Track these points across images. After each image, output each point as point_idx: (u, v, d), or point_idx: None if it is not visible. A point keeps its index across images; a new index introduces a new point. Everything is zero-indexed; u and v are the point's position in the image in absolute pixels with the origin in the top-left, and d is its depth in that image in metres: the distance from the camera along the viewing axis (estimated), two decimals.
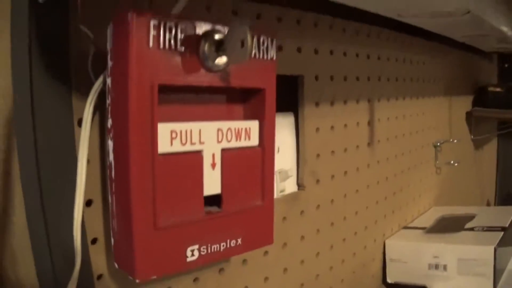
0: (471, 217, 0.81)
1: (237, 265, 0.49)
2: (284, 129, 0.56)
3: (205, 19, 0.33)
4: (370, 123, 0.69)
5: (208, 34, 0.32)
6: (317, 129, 0.58)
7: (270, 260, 0.53)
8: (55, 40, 0.33)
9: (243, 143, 0.36)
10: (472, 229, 0.74)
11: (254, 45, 0.36)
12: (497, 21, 0.66)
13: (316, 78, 0.57)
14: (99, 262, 0.37)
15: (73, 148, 0.35)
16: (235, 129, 0.35)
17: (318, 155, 0.58)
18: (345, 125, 0.63)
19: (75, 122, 0.36)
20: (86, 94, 0.35)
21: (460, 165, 1.03)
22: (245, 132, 0.36)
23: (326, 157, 0.60)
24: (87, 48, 0.35)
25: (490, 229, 0.73)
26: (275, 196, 0.54)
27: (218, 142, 0.34)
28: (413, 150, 0.84)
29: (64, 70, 0.34)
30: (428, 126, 0.91)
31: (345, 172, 0.64)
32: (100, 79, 0.34)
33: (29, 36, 0.32)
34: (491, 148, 1.38)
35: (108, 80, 0.32)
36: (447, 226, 0.79)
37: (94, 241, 0.37)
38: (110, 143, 0.33)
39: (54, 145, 0.34)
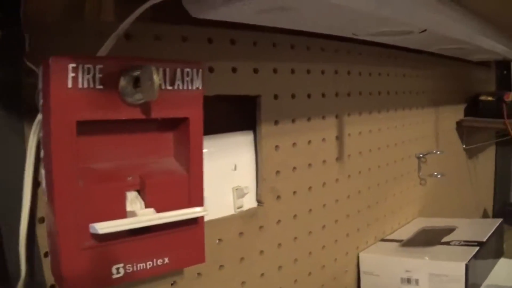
0: (450, 230, 0.81)
1: (191, 278, 0.51)
2: (242, 147, 0.58)
3: (126, 58, 0.36)
4: (339, 138, 0.71)
5: (126, 72, 0.35)
6: (277, 147, 0.60)
7: (226, 274, 0.55)
8: (8, 76, 0.37)
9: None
10: (448, 243, 0.74)
11: (177, 78, 0.39)
12: (463, 34, 0.66)
13: (275, 97, 0.60)
14: None
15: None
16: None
17: (278, 172, 0.61)
18: (309, 142, 0.65)
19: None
20: None
21: (451, 175, 1.03)
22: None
23: (287, 173, 0.62)
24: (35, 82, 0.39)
25: (467, 243, 0.73)
26: (233, 212, 0.57)
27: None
28: (391, 163, 0.85)
29: (16, 101, 0.38)
30: (410, 138, 0.91)
31: (310, 188, 0.66)
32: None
33: None
34: (488, 157, 1.36)
35: (40, 116, 0.35)
36: (425, 239, 0.79)
37: (46, 254, 0.40)
38: (42, 172, 0.36)
39: (6, 170, 0.38)
